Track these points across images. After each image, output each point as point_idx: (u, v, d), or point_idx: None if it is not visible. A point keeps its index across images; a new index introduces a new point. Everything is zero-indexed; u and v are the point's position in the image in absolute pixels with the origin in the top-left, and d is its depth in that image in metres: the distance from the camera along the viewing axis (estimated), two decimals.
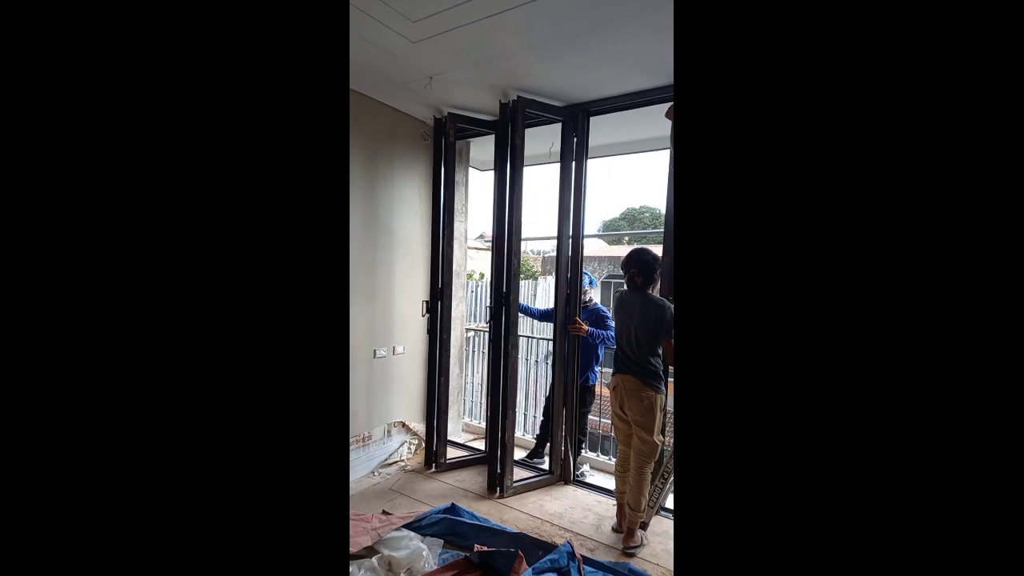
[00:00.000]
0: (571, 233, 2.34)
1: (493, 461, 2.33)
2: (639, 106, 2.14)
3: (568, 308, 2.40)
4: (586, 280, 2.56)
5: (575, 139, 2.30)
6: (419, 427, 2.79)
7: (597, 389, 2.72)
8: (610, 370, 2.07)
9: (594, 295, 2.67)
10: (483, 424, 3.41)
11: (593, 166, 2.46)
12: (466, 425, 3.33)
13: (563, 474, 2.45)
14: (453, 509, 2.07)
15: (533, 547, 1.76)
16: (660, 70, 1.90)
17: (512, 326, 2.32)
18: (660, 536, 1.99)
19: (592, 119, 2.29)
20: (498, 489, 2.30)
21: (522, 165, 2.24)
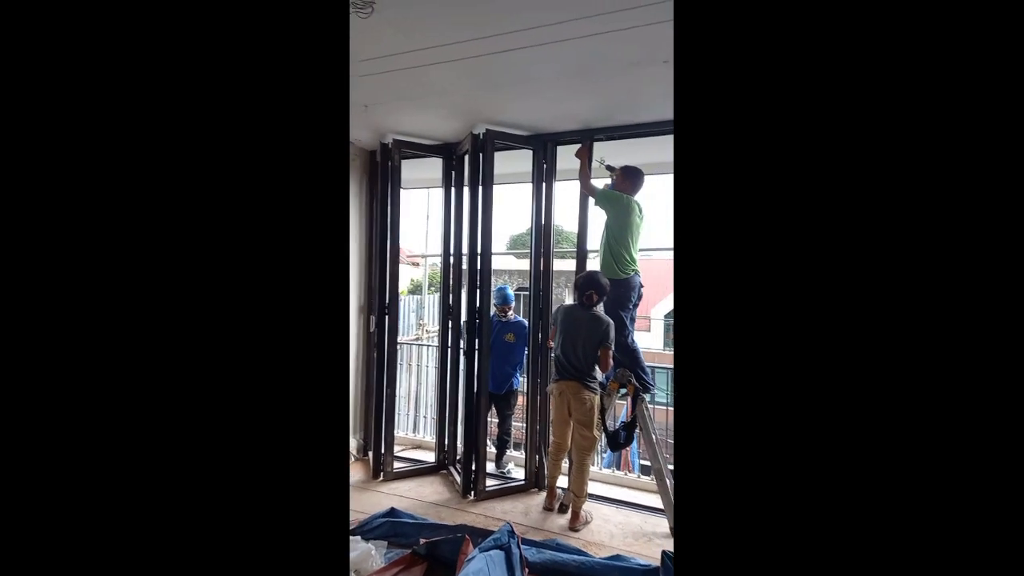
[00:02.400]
0: (542, 250, 2.61)
1: (468, 466, 2.48)
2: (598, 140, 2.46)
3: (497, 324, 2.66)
4: (511, 296, 2.87)
5: (544, 165, 2.57)
6: (352, 441, 2.81)
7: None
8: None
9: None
10: (414, 435, 3.50)
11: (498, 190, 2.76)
12: (397, 437, 3.38)
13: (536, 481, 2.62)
14: (393, 512, 2.18)
15: (475, 535, 1.95)
16: (606, 111, 2.22)
17: (485, 338, 2.52)
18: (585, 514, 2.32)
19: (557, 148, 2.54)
20: (472, 493, 2.46)
21: (491, 190, 2.47)
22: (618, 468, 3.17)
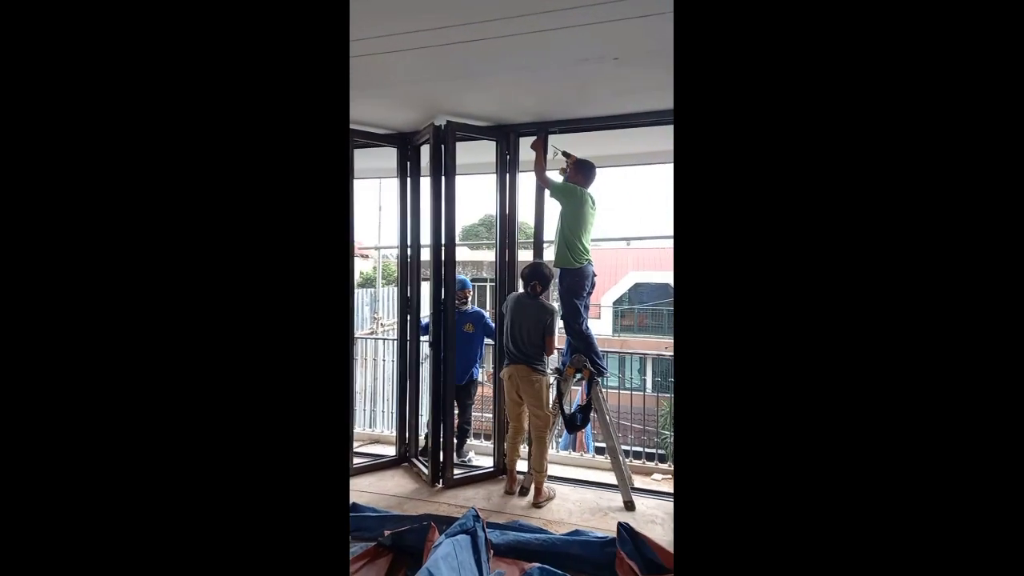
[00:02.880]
0: (507, 242, 2.63)
1: (436, 455, 2.51)
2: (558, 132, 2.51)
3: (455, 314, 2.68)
4: (467, 280, 2.90)
5: (508, 156, 2.58)
6: None
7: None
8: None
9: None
10: (371, 431, 3.45)
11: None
12: (355, 433, 3.31)
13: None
14: (355, 507, 2.16)
15: (441, 523, 1.98)
16: (566, 103, 2.27)
17: (451, 329, 2.51)
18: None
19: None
20: (440, 481, 2.49)
21: (454, 181, 2.45)
22: (574, 450, 3.31)
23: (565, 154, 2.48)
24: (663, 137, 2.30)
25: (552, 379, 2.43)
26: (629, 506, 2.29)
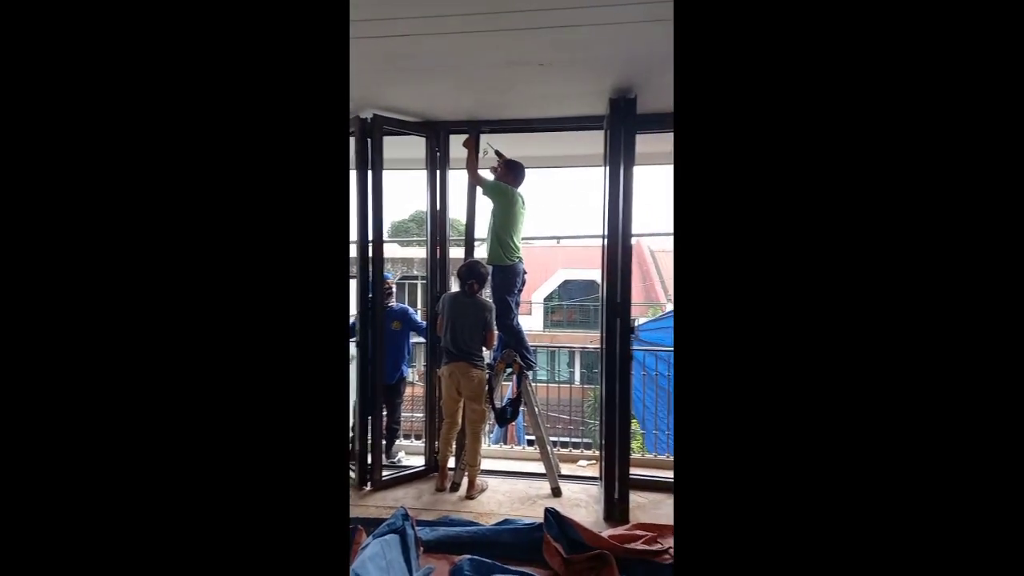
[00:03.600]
0: (438, 239, 2.59)
1: (364, 457, 2.45)
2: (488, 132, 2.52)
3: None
4: (388, 272, 2.85)
5: (438, 153, 2.53)
6: None
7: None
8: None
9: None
10: None
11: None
12: None
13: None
14: None
15: (369, 525, 1.94)
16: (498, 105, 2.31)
17: (379, 328, 2.46)
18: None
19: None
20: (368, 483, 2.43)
21: (381, 176, 2.38)
22: (504, 443, 3.38)
23: (497, 153, 2.53)
24: (590, 141, 2.43)
25: (487, 374, 2.47)
26: (556, 492, 2.40)
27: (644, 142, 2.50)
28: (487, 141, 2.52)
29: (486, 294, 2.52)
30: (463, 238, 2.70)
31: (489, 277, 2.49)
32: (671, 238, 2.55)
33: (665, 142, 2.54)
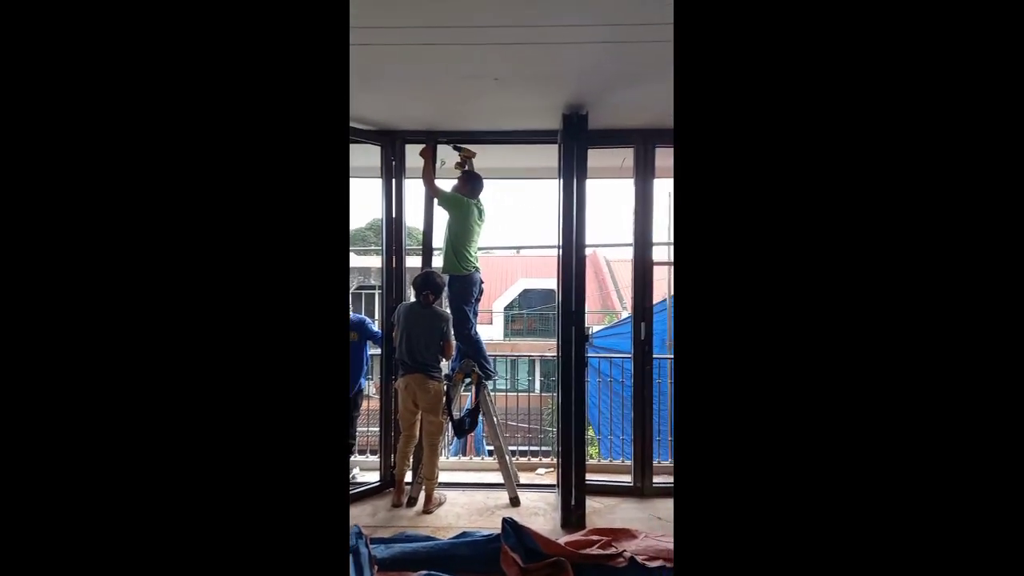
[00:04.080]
0: (394, 248, 2.56)
1: None
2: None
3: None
4: None
5: (393, 162, 2.50)
6: None
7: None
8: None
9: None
10: None
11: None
12: None
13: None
14: None
15: None
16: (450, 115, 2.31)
17: None
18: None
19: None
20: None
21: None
22: (464, 454, 3.35)
23: (459, 148, 2.51)
24: (546, 154, 2.49)
25: (444, 385, 2.45)
26: (515, 502, 2.40)
27: (597, 157, 2.61)
28: (443, 156, 2.52)
29: (443, 305, 2.51)
30: (420, 247, 2.68)
31: (446, 287, 2.48)
32: (626, 248, 2.63)
33: (616, 157, 2.66)
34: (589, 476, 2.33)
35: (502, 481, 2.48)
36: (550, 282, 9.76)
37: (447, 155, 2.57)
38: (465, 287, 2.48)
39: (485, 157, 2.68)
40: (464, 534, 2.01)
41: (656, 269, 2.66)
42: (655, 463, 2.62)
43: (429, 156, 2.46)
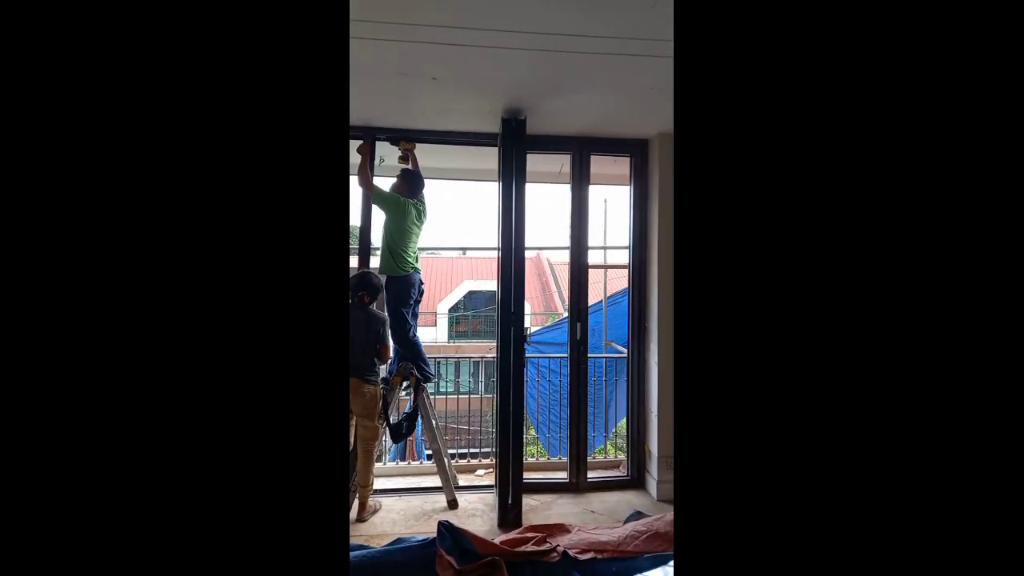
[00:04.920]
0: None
1: None
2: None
3: None
4: None
5: None
6: None
7: None
8: None
9: None
10: None
11: None
12: None
13: None
14: None
15: None
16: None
17: None
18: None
19: None
20: None
21: None
22: (403, 459, 3.27)
23: (394, 141, 2.44)
24: (488, 156, 2.50)
25: (380, 390, 2.38)
26: (452, 504, 2.39)
27: (538, 162, 2.66)
28: (381, 154, 2.46)
29: (382, 306, 2.44)
30: (357, 247, 2.59)
31: (383, 289, 2.42)
32: (565, 252, 2.71)
33: (555, 162, 2.73)
34: (527, 474, 2.37)
35: (440, 485, 2.46)
36: (495, 284, 9.82)
37: (388, 152, 2.51)
38: (403, 288, 2.43)
39: (428, 157, 2.64)
40: (399, 540, 1.96)
41: (592, 272, 2.77)
42: (589, 458, 2.72)
43: (366, 153, 2.39)
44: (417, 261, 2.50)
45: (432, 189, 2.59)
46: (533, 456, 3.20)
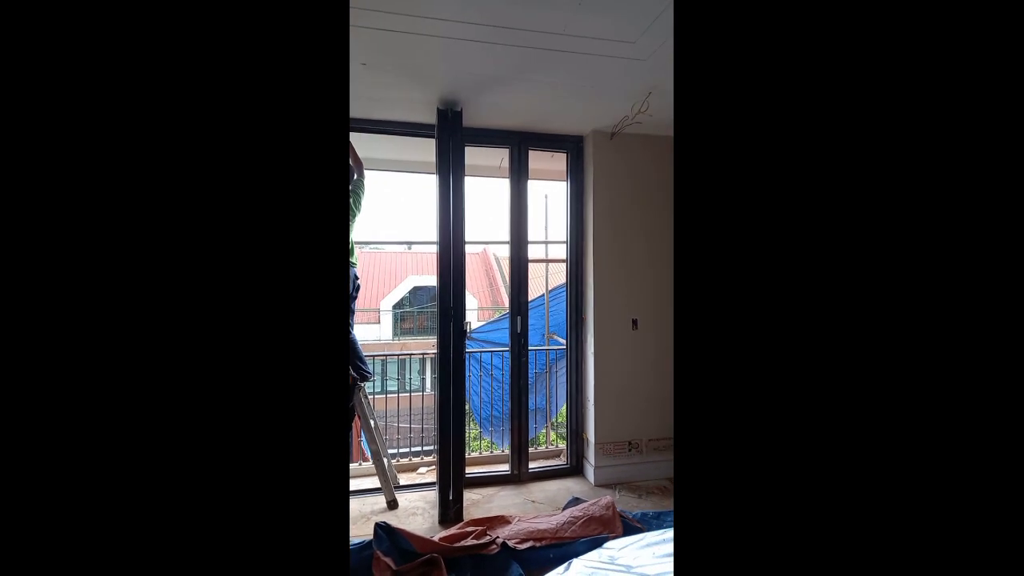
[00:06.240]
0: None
1: None
2: None
3: None
4: None
5: None
6: None
7: None
8: None
9: None
10: None
11: None
12: None
13: None
14: None
15: None
16: None
17: None
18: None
19: None
20: None
21: None
22: (351, 460, 3.15)
23: None
24: (427, 148, 2.44)
25: None
26: (392, 505, 2.33)
27: (479, 155, 2.64)
28: None
29: None
30: None
31: None
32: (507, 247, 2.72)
33: (495, 156, 2.73)
34: (470, 469, 2.36)
35: (380, 486, 2.39)
36: None
37: None
38: None
39: (366, 147, 2.54)
40: None
41: (533, 266, 2.80)
42: (531, 449, 2.77)
43: None
44: (352, 254, 2.40)
45: (374, 180, 2.49)
46: (480, 451, 3.20)
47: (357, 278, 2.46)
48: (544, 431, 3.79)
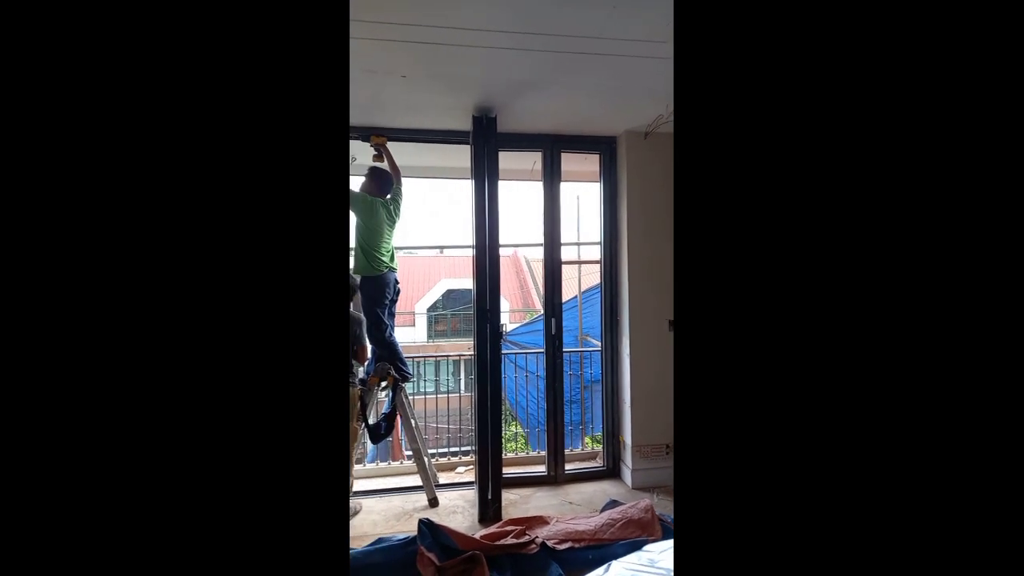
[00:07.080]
0: None
1: None
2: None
3: None
4: None
5: None
6: None
7: None
8: None
9: None
10: None
11: None
12: None
13: None
14: None
15: None
16: None
17: None
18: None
19: None
20: None
21: None
22: (383, 460, 3.26)
23: (364, 137, 2.39)
24: (462, 154, 2.50)
25: (358, 391, 2.36)
26: (433, 503, 2.40)
27: (511, 159, 2.68)
28: (362, 136, 2.41)
29: (358, 306, 2.42)
30: None
31: (358, 289, 2.39)
32: (541, 249, 2.74)
33: (528, 160, 2.76)
34: (507, 469, 2.39)
35: (421, 484, 2.46)
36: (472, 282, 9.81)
37: (359, 151, 2.47)
38: (378, 288, 2.42)
39: (403, 155, 2.63)
40: (379, 540, 1.96)
41: (565, 268, 2.81)
42: (567, 451, 2.77)
43: None
44: (393, 260, 2.49)
45: (408, 188, 2.57)
46: (512, 452, 3.23)
47: (398, 283, 2.55)
48: (591, 435, 3.77)
